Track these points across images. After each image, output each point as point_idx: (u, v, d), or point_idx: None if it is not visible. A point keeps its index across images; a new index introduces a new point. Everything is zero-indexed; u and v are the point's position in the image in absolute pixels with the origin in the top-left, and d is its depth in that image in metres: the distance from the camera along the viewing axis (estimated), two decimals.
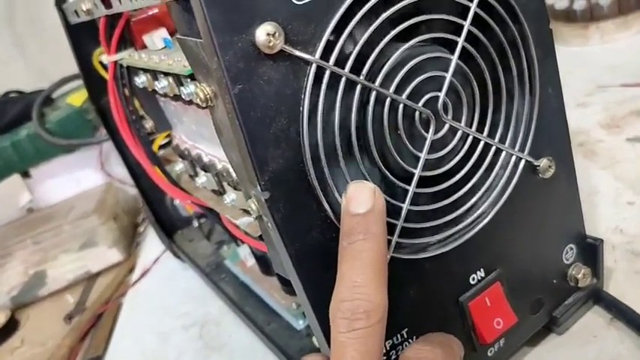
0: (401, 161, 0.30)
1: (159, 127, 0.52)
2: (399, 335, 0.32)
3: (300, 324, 0.48)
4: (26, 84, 0.92)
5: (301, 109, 0.26)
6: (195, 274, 0.69)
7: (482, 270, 0.34)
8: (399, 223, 0.29)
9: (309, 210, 0.28)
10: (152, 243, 0.79)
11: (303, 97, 0.26)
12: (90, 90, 0.65)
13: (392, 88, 0.28)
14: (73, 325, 0.74)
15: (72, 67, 0.65)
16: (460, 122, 0.31)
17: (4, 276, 0.78)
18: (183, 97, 0.36)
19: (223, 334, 0.58)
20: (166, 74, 0.40)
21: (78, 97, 0.83)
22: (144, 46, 0.47)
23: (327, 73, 0.27)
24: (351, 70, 0.27)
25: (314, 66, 0.26)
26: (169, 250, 0.73)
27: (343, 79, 0.27)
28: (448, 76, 0.29)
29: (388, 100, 0.28)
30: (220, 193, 0.46)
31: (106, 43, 0.48)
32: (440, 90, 0.30)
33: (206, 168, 0.46)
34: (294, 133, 0.27)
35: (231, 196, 0.41)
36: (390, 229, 0.29)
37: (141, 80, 0.46)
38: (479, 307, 0.34)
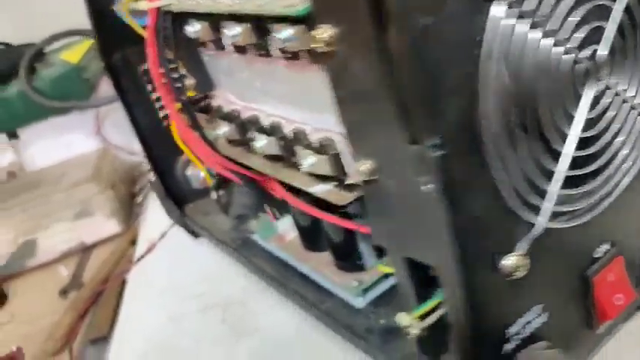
0: (561, 121, 0.27)
1: (200, 86, 0.47)
2: (533, 310, 0.30)
3: (360, 302, 0.45)
4: (12, 38, 0.82)
5: (480, 51, 0.23)
6: (214, 250, 0.64)
7: (606, 243, 0.32)
8: (556, 190, 0.26)
9: (477, 174, 0.24)
10: (154, 215, 0.73)
11: (481, 38, 0.23)
12: (102, 44, 0.58)
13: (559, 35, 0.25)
14: (70, 300, 0.67)
15: (64, 20, 0.58)
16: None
17: None
18: (270, 45, 0.32)
19: (251, 318, 0.53)
20: (241, 19, 0.35)
21: (74, 52, 0.75)
22: None
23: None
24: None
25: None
26: (180, 225, 0.68)
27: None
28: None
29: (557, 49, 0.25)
30: (283, 158, 0.42)
31: None
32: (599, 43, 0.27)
33: (266, 131, 0.41)
34: (469, 80, 0.23)
35: (308, 160, 0.37)
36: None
37: (194, 29, 0.41)
38: (602, 283, 0.32)
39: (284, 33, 0.31)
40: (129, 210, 0.79)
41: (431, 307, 0.35)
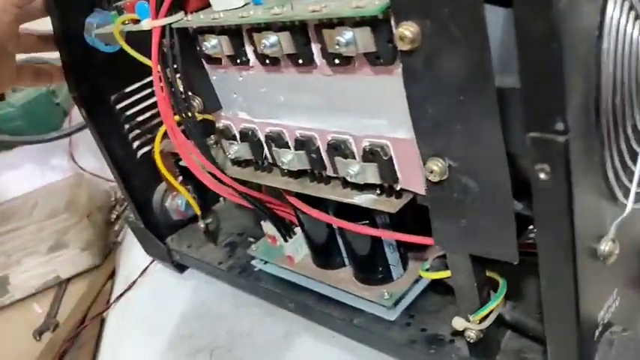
0: None
1: (207, 107, 0.44)
2: (612, 294, 0.30)
3: (393, 313, 0.44)
4: None
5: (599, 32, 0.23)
6: (201, 284, 0.61)
7: None
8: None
9: (589, 158, 0.25)
10: (133, 246, 0.68)
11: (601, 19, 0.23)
12: (70, 73, 0.54)
13: None
14: (45, 343, 0.61)
15: None
16: None
17: None
18: (334, 48, 0.31)
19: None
20: (281, 29, 0.34)
21: None
22: (196, 9, 0.40)
23: None
24: None
25: None
26: (163, 260, 0.64)
27: None
28: None
29: None
30: (312, 173, 0.40)
31: (155, 5, 0.39)
32: None
33: (291, 145, 0.40)
34: (591, 62, 0.23)
35: (353, 169, 0.36)
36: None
37: (211, 44, 0.39)
38: None
39: (346, 36, 0.30)
40: (106, 240, 0.74)
41: (491, 308, 0.36)
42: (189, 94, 0.43)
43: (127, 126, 0.60)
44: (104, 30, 0.49)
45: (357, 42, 0.30)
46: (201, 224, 0.60)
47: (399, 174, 0.35)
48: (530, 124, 0.23)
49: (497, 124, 0.26)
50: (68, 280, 0.70)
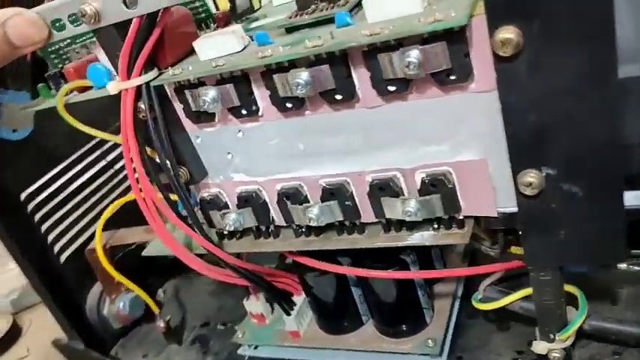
0: None
1: (195, 175, 0.37)
2: None
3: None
4: None
5: None
6: None
7: None
8: None
9: None
10: None
11: None
12: None
13: None
14: None
15: None
16: None
17: (3, 277, 0.73)
18: (392, 74, 0.28)
19: None
20: (314, 63, 0.30)
21: None
22: (172, 64, 0.34)
23: None
24: None
25: None
26: None
27: None
28: None
29: None
30: (341, 224, 0.36)
31: (128, 62, 0.32)
32: None
33: (314, 198, 0.35)
34: None
35: (409, 207, 0.32)
36: None
37: (209, 98, 0.33)
38: None
39: (413, 56, 0.27)
40: None
41: (580, 323, 0.34)
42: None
43: (43, 227, 0.49)
44: (27, 106, 0.40)
45: (430, 61, 0.27)
46: (161, 323, 0.50)
47: (461, 201, 0.32)
48: None
49: (614, 118, 0.25)
50: None
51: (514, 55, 0.25)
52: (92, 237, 0.51)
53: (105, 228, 0.47)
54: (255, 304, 0.47)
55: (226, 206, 0.39)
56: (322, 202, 0.35)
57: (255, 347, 0.47)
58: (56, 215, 0.50)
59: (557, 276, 0.32)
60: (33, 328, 0.70)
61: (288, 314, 0.44)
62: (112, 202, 0.55)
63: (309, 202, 0.36)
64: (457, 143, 0.31)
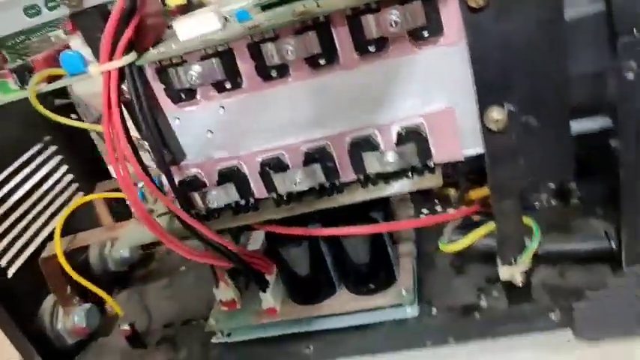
0: None
1: (177, 156, 0.38)
2: None
3: (415, 309, 0.44)
4: None
5: None
6: None
7: None
8: None
9: None
10: None
11: None
12: None
13: None
14: None
15: None
16: None
17: None
18: (371, 35, 0.32)
19: None
20: (300, 31, 0.33)
21: None
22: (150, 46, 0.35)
23: None
24: None
25: None
26: None
27: None
28: None
29: None
30: (320, 187, 0.38)
31: (111, 44, 0.33)
32: None
33: (289, 167, 0.38)
34: None
35: (387, 159, 0.36)
36: None
37: (195, 74, 0.35)
38: None
39: (394, 15, 0.31)
40: None
41: (535, 246, 0.39)
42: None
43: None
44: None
45: (408, 19, 0.32)
46: (126, 326, 0.49)
47: (432, 149, 0.37)
48: (619, 31, 0.29)
49: (561, 55, 0.31)
50: None
51: (484, 7, 0.30)
52: (41, 246, 0.49)
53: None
54: (226, 290, 0.47)
55: (205, 185, 0.40)
56: (305, 166, 0.38)
57: (229, 334, 0.48)
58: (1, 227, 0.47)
59: (517, 203, 0.37)
60: None
61: (264, 291, 0.46)
62: (58, 209, 0.53)
63: (289, 169, 0.38)
64: (427, 95, 0.35)
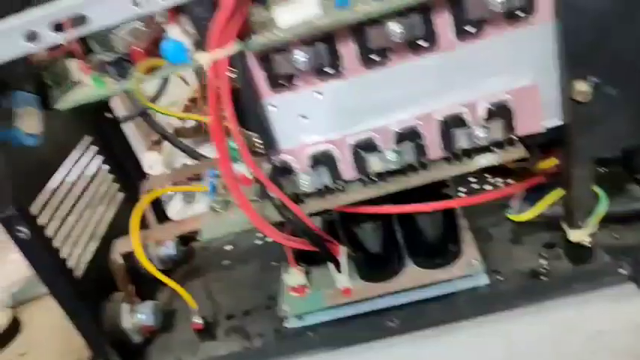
0: None
1: (272, 145, 0.39)
2: None
3: (485, 277, 0.46)
4: None
5: None
6: None
7: None
8: None
9: None
10: None
11: None
12: None
13: None
14: None
15: None
16: None
17: (3, 270, 0.73)
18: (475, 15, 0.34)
19: None
20: (403, 14, 0.35)
21: None
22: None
23: None
24: None
25: None
26: None
27: None
28: None
29: None
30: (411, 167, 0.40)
31: (222, 30, 0.34)
32: None
33: (380, 149, 0.40)
34: None
35: (480, 132, 0.38)
36: None
37: (301, 59, 0.36)
38: None
39: None
40: None
41: (604, 208, 0.43)
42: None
43: (56, 242, 0.44)
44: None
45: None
46: (199, 320, 0.49)
47: (515, 123, 0.39)
48: None
49: None
50: None
51: None
52: (104, 246, 0.49)
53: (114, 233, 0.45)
54: (297, 275, 0.48)
55: (297, 171, 0.41)
56: (396, 145, 0.40)
57: (300, 318, 0.49)
58: (65, 226, 0.46)
59: (593, 169, 0.41)
60: (34, 323, 0.64)
61: (340, 272, 0.47)
62: (106, 209, 0.52)
63: (381, 150, 0.40)
64: (514, 72, 0.38)
